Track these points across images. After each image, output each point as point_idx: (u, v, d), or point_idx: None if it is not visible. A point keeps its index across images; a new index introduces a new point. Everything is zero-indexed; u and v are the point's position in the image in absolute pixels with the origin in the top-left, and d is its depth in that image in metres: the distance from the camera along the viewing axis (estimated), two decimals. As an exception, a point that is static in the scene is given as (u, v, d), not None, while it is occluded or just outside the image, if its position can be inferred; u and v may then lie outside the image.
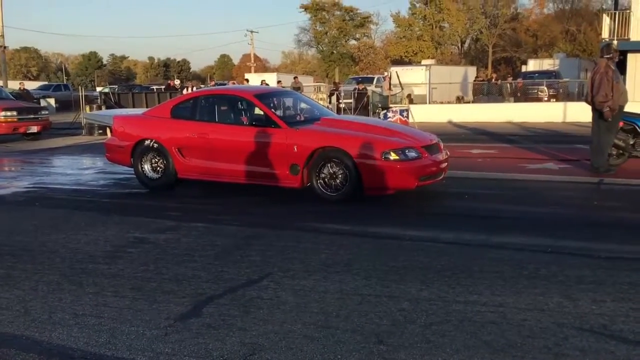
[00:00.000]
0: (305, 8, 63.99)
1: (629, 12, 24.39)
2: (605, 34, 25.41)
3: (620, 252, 5.10)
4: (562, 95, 27.09)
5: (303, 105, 9.48)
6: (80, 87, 27.22)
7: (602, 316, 3.73)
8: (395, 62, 52.62)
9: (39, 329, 3.75)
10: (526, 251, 5.18)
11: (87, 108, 21.57)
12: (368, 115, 20.74)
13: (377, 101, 22.46)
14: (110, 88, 36.74)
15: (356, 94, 24.54)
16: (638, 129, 9.52)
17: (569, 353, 3.24)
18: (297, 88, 23.99)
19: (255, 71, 55.73)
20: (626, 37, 24.06)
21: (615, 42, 19.71)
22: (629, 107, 9.29)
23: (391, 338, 3.48)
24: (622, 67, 17.28)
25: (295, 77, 31.41)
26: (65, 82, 57.81)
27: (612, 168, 9.22)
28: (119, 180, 9.87)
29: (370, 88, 26.63)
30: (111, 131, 9.61)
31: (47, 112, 19.50)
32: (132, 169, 8.82)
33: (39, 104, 25.51)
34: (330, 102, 24.98)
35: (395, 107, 17.42)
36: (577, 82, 29.64)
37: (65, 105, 34.67)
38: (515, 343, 3.38)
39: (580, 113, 18.86)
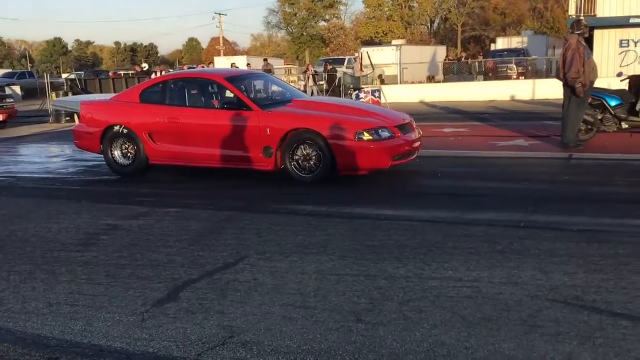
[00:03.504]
0: (274, -11, 63.36)
1: (595, -11, 24.64)
2: (572, 11, 25.64)
3: (591, 225, 5.19)
4: (531, 72, 27.38)
5: (274, 87, 9.42)
6: (45, 74, 26.70)
7: (575, 287, 3.80)
8: (366, 42, 52.50)
9: (13, 319, 3.69)
10: (499, 226, 5.25)
11: (53, 95, 21.16)
12: (340, 97, 20.72)
13: (348, 82, 22.43)
14: (76, 74, 36.03)
15: (326, 76, 24.44)
16: (605, 104, 9.68)
17: (543, 324, 3.30)
18: (268, 70, 23.80)
19: (225, 54, 55.15)
20: (592, 14, 24.33)
21: (582, 18, 19.90)
22: (595, 83, 9.41)
23: (369, 316, 3.50)
24: (588, 43, 17.49)
25: (265, 60, 31.17)
26: (29, 70, 56.51)
27: (581, 143, 9.36)
28: (88, 168, 9.72)
29: (341, 69, 26.56)
30: (79, 117, 9.43)
31: (12, 100, 19.08)
32: (102, 155, 8.69)
33: (4, 91, 24.94)
34: (315, 83, 24.61)
35: (367, 87, 17.39)
36: (545, 59, 29.97)
37: (31, 93, 34.03)
38: (490, 317, 3.43)
39: (548, 90, 19.16)
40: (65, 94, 20.89)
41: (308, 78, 24.85)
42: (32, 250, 5.16)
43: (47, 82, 22.76)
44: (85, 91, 21.52)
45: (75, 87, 22.33)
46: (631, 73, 10.64)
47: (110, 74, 34.21)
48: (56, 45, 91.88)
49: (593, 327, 3.25)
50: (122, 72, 36.50)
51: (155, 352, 3.20)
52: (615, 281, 3.88)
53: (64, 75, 41.47)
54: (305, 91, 21.85)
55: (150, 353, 3.19)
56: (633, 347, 3.03)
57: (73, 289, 4.16)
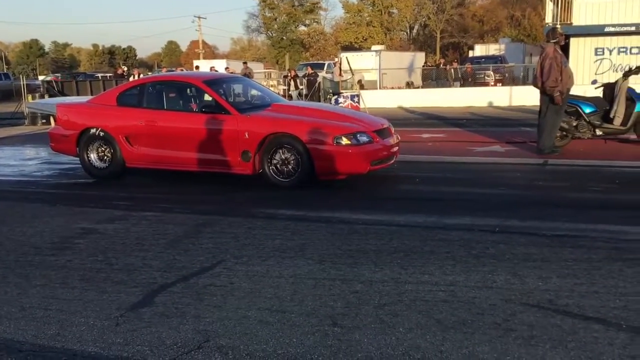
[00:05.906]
0: (254, -7, 63.25)
1: (571, -3, 25.01)
2: (548, 19, 26.02)
3: (565, 230, 5.25)
4: (508, 79, 27.70)
5: (253, 91, 9.40)
6: (21, 76, 26.38)
7: (548, 292, 3.84)
8: (346, 48, 52.63)
9: (-16, 324, 3.63)
10: (475, 231, 5.29)
11: (29, 97, 20.89)
12: (319, 101, 20.74)
13: (328, 87, 22.44)
14: (53, 76, 35.63)
15: (306, 80, 24.47)
16: (581, 111, 9.83)
17: (517, 328, 3.34)
18: (247, 74, 23.75)
19: (204, 58, 54.96)
20: (569, 22, 24.69)
21: (558, 26, 20.18)
22: (571, 90, 9.54)
23: (345, 320, 3.51)
24: (564, 51, 17.77)
25: (244, 63, 31.08)
26: (5, 72, 55.69)
27: (556, 149, 9.49)
28: (64, 171, 9.61)
29: (321, 74, 26.58)
30: (55, 120, 9.32)
31: (-14, 102, 18.81)
32: (78, 158, 8.60)
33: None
34: (296, 88, 24.59)
35: (346, 92, 17.44)
36: (522, 66, 30.36)
37: (6, 95, 33.53)
38: (465, 320, 3.46)
39: (525, 97, 19.41)
40: (42, 96, 20.62)
41: (289, 83, 24.83)
42: (6, 254, 5.09)
43: (23, 84, 22.50)
44: (62, 93, 21.28)
45: (51, 90, 22.06)
46: (606, 81, 10.81)
47: (52, 77, 33.34)
48: (33, 47, 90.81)
49: (566, 331, 3.30)
50: (100, 75, 36.15)
51: (130, 356, 3.18)
52: (588, 285, 3.93)
53: (41, 78, 40.91)
54: (284, 96, 21.84)
55: (125, 357, 3.17)
56: (604, 351, 3.08)
57: (47, 293, 4.11)
